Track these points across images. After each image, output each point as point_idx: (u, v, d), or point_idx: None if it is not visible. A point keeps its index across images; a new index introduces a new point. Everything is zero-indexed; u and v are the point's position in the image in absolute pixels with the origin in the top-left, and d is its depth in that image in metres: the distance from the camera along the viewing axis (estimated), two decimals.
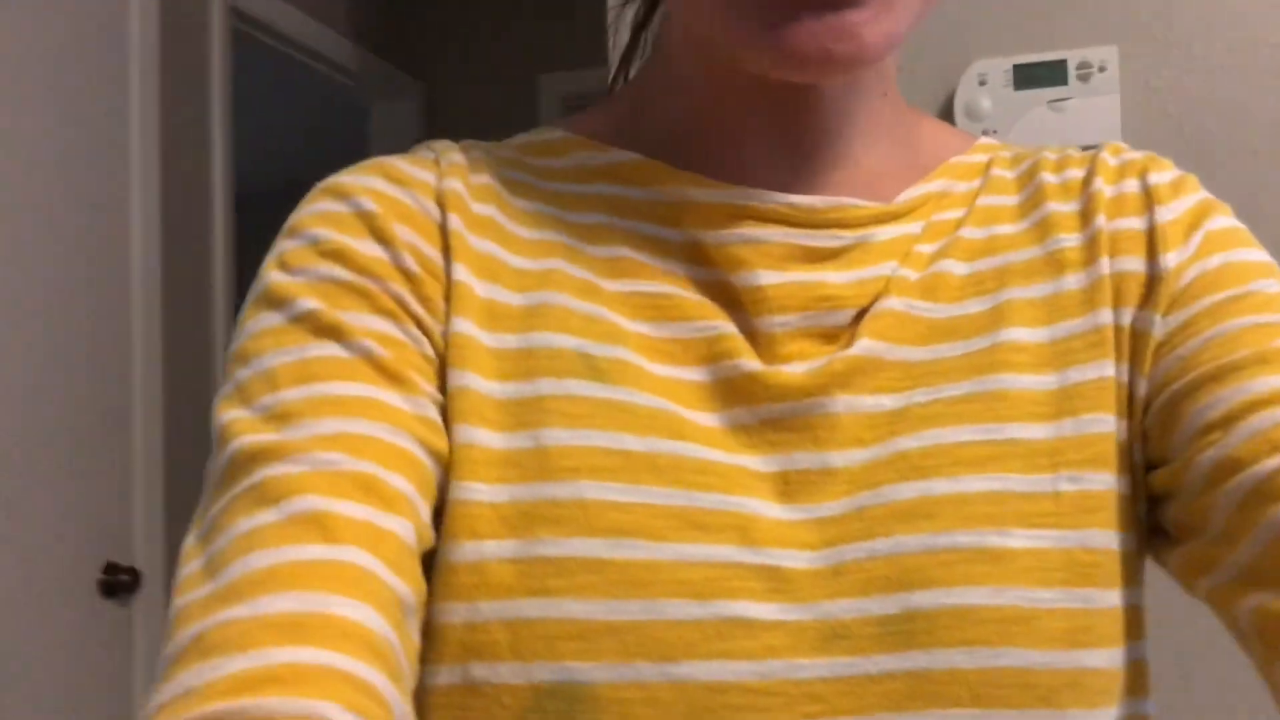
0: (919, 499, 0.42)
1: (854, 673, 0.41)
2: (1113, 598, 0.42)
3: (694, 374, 0.45)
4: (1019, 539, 0.42)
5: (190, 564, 0.38)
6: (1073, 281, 0.48)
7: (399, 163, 0.48)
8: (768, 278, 0.46)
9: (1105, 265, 0.47)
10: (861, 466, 0.44)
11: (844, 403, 0.45)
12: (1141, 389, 0.46)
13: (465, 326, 0.44)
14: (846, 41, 0.40)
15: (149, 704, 0.35)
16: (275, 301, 0.44)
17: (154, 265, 2.24)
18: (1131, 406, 0.46)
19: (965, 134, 0.55)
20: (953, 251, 0.49)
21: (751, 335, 0.46)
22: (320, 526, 0.37)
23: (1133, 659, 0.43)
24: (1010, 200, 0.51)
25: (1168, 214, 0.48)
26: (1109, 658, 0.42)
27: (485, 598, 0.41)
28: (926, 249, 0.48)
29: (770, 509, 0.43)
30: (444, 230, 0.46)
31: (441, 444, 0.42)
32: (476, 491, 0.42)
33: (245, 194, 5.36)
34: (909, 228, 0.49)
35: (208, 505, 0.40)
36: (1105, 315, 0.46)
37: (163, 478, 2.25)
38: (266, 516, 0.38)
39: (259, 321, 0.44)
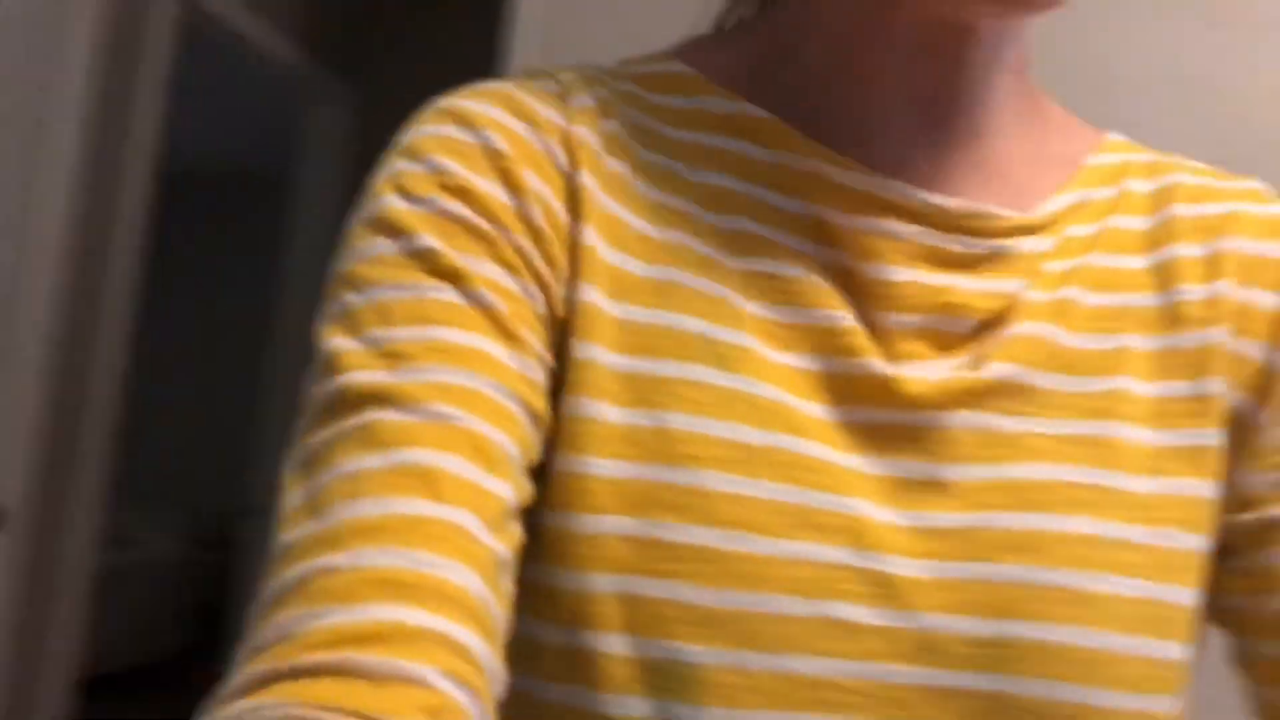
0: (1026, 532, 0.43)
1: (939, 684, 0.42)
2: (1182, 650, 0.44)
3: (811, 363, 0.45)
4: (1113, 585, 0.43)
5: (292, 494, 0.38)
6: (1188, 340, 0.47)
7: (525, 96, 0.47)
8: (896, 274, 0.46)
9: (1224, 336, 0.47)
10: (973, 485, 0.44)
11: (963, 418, 0.45)
12: (1238, 475, 0.47)
13: (592, 295, 0.44)
14: None
15: (248, 642, 0.35)
16: (392, 229, 0.43)
17: (58, 218, 2.22)
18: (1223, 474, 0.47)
19: (1089, 125, 0.54)
20: (1082, 277, 0.48)
21: (870, 328, 0.46)
22: (427, 482, 0.37)
23: (1180, 708, 0.45)
24: (1140, 224, 0.50)
25: None
26: (1171, 704, 0.44)
27: (601, 570, 0.41)
28: (1056, 267, 0.48)
29: (880, 513, 0.43)
30: (573, 186, 0.45)
31: (542, 407, 0.42)
32: (595, 466, 0.42)
33: (184, 176, 5.39)
34: (1042, 243, 0.48)
35: (310, 431, 0.40)
36: (1215, 385, 0.46)
37: (39, 418, 2.24)
38: (373, 462, 0.37)
39: (373, 246, 0.43)
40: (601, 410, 0.43)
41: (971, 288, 0.46)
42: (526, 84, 0.48)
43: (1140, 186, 0.50)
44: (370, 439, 0.38)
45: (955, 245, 0.46)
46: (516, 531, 0.39)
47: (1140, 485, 0.45)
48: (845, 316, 0.45)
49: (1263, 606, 0.46)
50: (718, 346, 0.44)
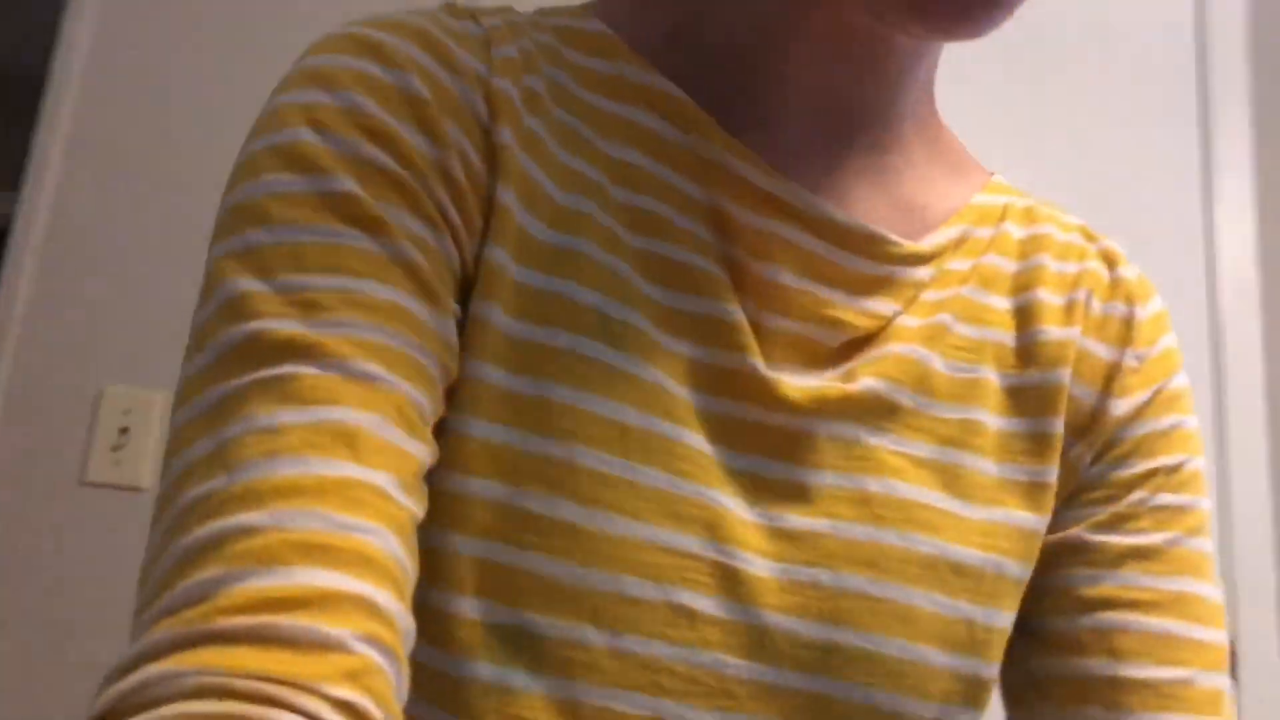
0: (870, 544, 0.45)
1: (768, 680, 0.44)
2: (991, 670, 0.47)
3: (695, 351, 0.45)
4: (939, 604, 0.45)
5: (197, 445, 0.36)
6: (1036, 379, 0.50)
7: (447, 39, 0.45)
8: (786, 278, 0.47)
9: (1065, 377, 0.50)
10: (828, 492, 0.46)
11: (829, 427, 0.46)
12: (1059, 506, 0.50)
13: (499, 256, 0.43)
14: (983, 7, 0.42)
15: (153, 600, 0.33)
16: (306, 165, 0.40)
17: None
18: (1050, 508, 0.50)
19: (976, 162, 0.56)
20: (952, 306, 0.50)
21: (752, 325, 0.46)
22: (348, 442, 0.36)
23: None
24: (1011, 266, 0.52)
25: (1135, 359, 0.51)
26: (975, 718, 0.47)
27: (461, 532, 0.42)
28: (932, 296, 0.50)
29: (738, 508, 0.44)
30: (491, 142, 0.44)
31: (454, 368, 0.42)
32: (474, 427, 0.42)
33: None
34: (924, 271, 0.50)
35: (215, 377, 0.37)
36: (1055, 424, 0.49)
37: None
38: (292, 417, 0.36)
39: (283, 181, 0.40)
40: (489, 373, 0.43)
41: (853, 305, 0.48)
42: (446, 23, 0.46)
43: (1015, 231, 0.53)
44: (289, 393, 0.36)
45: (847, 263, 0.48)
46: (425, 489, 0.39)
47: (978, 514, 0.47)
48: (735, 311, 0.46)
49: (1057, 624, 0.49)
50: (610, 323, 0.44)
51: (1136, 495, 0.49)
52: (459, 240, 0.43)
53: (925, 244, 0.50)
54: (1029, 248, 0.53)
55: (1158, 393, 0.51)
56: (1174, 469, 0.50)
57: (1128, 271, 0.53)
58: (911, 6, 0.42)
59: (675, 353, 0.45)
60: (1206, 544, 0.49)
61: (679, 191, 0.47)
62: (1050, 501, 0.49)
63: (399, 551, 0.36)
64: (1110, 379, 0.51)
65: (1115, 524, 0.49)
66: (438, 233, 0.42)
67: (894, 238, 0.48)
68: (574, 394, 0.43)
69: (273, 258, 0.39)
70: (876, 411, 0.47)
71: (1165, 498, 0.49)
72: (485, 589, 0.41)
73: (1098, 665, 0.47)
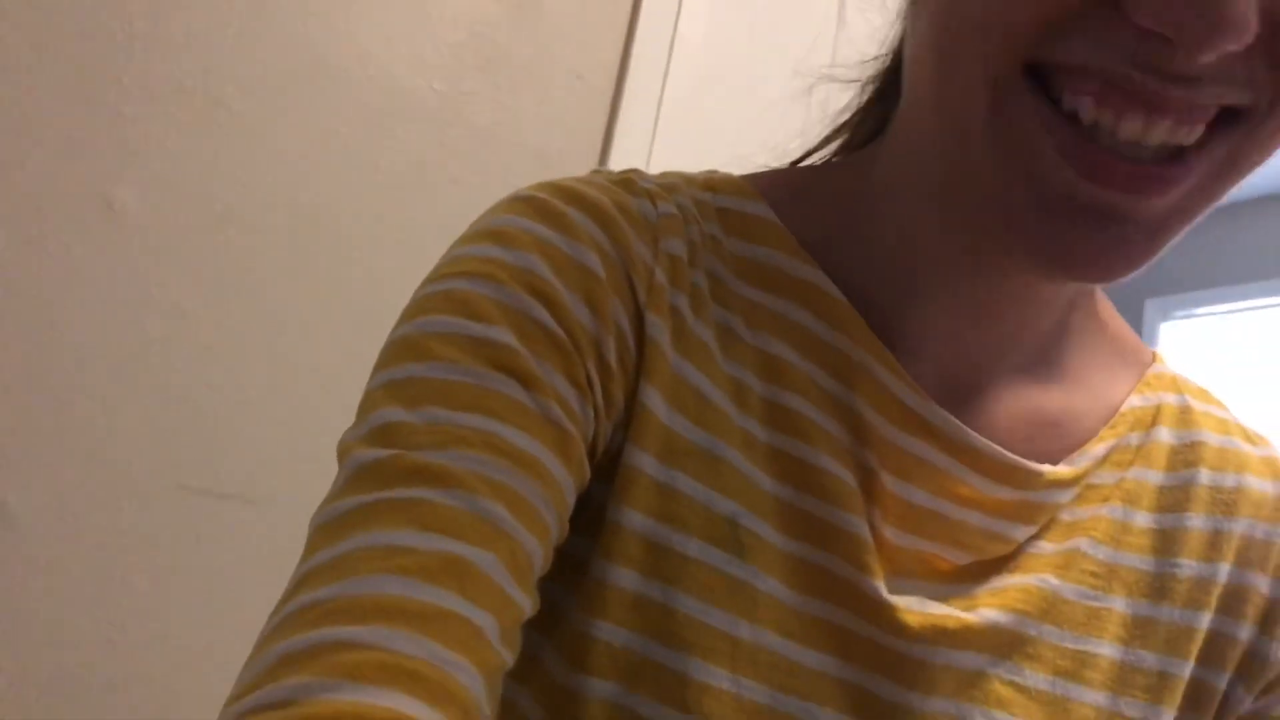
0: None
1: None
2: None
3: (818, 557, 0.45)
4: None
5: (319, 553, 0.37)
6: (1168, 615, 0.48)
7: (622, 221, 0.46)
8: (918, 497, 0.46)
9: (1203, 621, 0.49)
10: (926, 714, 0.45)
11: (944, 655, 0.45)
12: None
13: (640, 459, 0.44)
14: (1115, 257, 0.40)
15: (247, 694, 0.33)
16: (468, 310, 0.42)
17: None
18: None
19: (1140, 350, 0.54)
20: (1090, 529, 0.49)
21: (876, 535, 0.46)
22: (460, 576, 0.36)
23: None
24: (1158, 479, 0.51)
25: None
26: None
27: None
28: (1069, 517, 0.49)
29: None
30: (644, 334, 0.45)
31: (566, 531, 0.42)
32: (598, 628, 0.43)
33: None
34: (1066, 493, 0.49)
35: (348, 492, 0.38)
36: (1181, 667, 0.48)
37: None
38: (411, 540, 0.36)
39: (444, 323, 0.41)
40: (620, 575, 0.43)
41: (982, 526, 0.47)
42: (623, 201, 0.47)
43: (1167, 437, 0.51)
44: (413, 516, 0.36)
45: (984, 489, 0.47)
46: (520, 641, 0.39)
47: None
48: (861, 525, 0.45)
49: None
50: (740, 532, 0.44)
51: None
52: (598, 415, 0.43)
53: (1068, 467, 0.49)
54: (1180, 459, 0.51)
55: None
56: None
57: None
58: (1047, 261, 0.40)
59: (798, 558, 0.45)
60: None
61: (822, 390, 0.47)
62: None
63: (483, 695, 0.35)
64: (1271, 618, 0.49)
65: None
66: (583, 400, 0.42)
67: (1035, 467, 0.47)
68: (698, 606, 0.43)
69: (424, 391, 0.40)
70: (995, 643, 0.46)
71: None
72: None
73: None
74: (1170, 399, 0.53)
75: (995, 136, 0.40)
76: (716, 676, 0.43)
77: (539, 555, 0.39)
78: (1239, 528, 0.50)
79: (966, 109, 0.41)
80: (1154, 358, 0.55)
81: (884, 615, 0.45)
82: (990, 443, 0.47)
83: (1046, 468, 0.48)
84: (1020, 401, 0.49)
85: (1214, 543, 0.49)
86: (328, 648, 0.33)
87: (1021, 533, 0.48)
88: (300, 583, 0.36)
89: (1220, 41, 0.35)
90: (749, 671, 0.44)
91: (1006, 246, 0.41)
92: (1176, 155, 0.39)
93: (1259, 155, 0.40)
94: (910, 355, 0.48)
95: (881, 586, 0.45)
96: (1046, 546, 0.48)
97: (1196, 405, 0.53)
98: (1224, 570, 0.49)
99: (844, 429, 0.46)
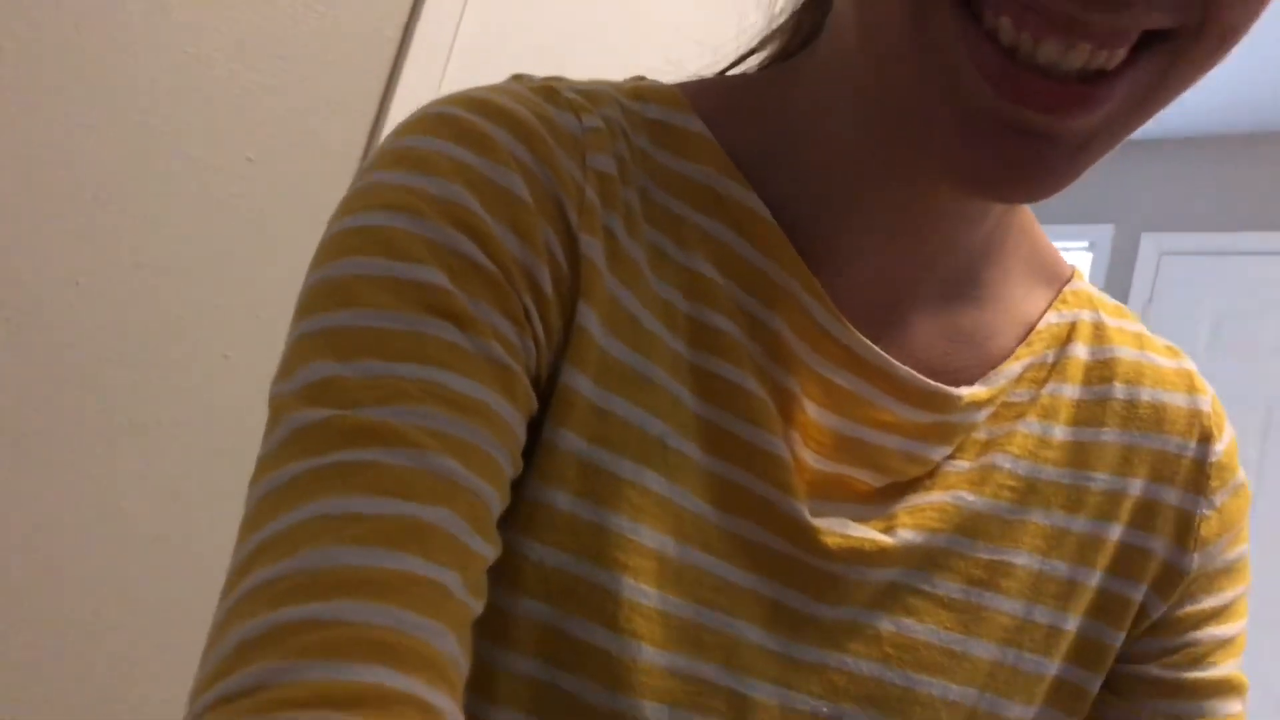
0: (873, 681, 0.46)
1: None
2: None
3: (740, 477, 0.46)
4: None
5: (268, 525, 0.35)
6: (1080, 526, 0.50)
7: (548, 136, 0.44)
8: (837, 423, 0.47)
9: (1114, 532, 0.50)
10: (844, 628, 0.46)
11: (860, 572, 0.47)
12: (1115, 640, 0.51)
13: (576, 379, 0.43)
14: (1039, 175, 0.39)
15: (215, 683, 0.32)
16: (395, 250, 0.39)
17: None
18: (1093, 655, 0.50)
19: (1058, 266, 0.54)
20: (1006, 444, 0.49)
21: (795, 457, 0.46)
22: (419, 537, 0.35)
23: None
24: (1073, 392, 0.51)
25: (1208, 507, 0.51)
26: None
27: (510, 650, 0.43)
28: (985, 435, 0.49)
29: (758, 635, 0.45)
30: (578, 255, 0.43)
31: (520, 465, 0.42)
32: (530, 548, 0.43)
33: None
34: (981, 411, 0.49)
35: (290, 456, 0.37)
36: (1090, 575, 0.49)
37: None
38: (366, 507, 0.35)
39: (370, 262, 0.39)
40: (554, 496, 0.43)
41: (902, 451, 0.48)
42: (547, 113, 0.45)
43: (1082, 353, 0.52)
44: (364, 481, 0.35)
45: (900, 412, 0.47)
46: (486, 585, 0.38)
47: (989, 654, 0.48)
48: (779, 444, 0.46)
49: None
50: (669, 453, 0.44)
51: (1204, 633, 0.50)
52: (538, 346, 0.42)
53: (984, 387, 0.49)
54: (1095, 374, 0.52)
55: (1231, 539, 0.52)
56: (1234, 602, 0.51)
57: (1204, 402, 0.52)
58: (966, 179, 0.40)
59: (720, 476, 0.45)
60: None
61: (745, 311, 0.46)
62: (1063, 650, 0.49)
63: (456, 652, 0.35)
64: (1183, 531, 0.50)
65: (1192, 663, 0.50)
66: (521, 334, 0.41)
67: (953, 391, 0.48)
68: (630, 525, 0.43)
69: (357, 341, 0.38)
70: (911, 559, 0.47)
71: (1226, 630, 0.51)
72: (529, 706, 0.43)
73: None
74: (1085, 315, 0.53)
75: (916, 53, 0.39)
76: (645, 594, 0.43)
77: (496, 500, 0.39)
78: (1152, 443, 0.51)
79: (887, 25, 0.40)
80: (1072, 274, 0.55)
81: (804, 536, 0.46)
82: (909, 370, 0.47)
83: (964, 391, 0.48)
84: (939, 320, 0.49)
85: (1127, 457, 0.50)
86: (293, 627, 0.32)
87: (939, 453, 0.48)
88: (252, 558, 0.35)
89: None
90: (674, 589, 0.44)
91: (928, 164, 0.41)
92: (1099, 76, 0.38)
93: (1188, 78, 0.40)
94: (834, 276, 0.47)
95: (803, 508, 0.46)
96: (963, 464, 0.49)
97: (1110, 321, 0.53)
98: (1136, 484, 0.50)
99: (765, 352, 0.46)
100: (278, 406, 0.38)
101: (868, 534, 0.46)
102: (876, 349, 0.46)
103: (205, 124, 1.37)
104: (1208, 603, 0.51)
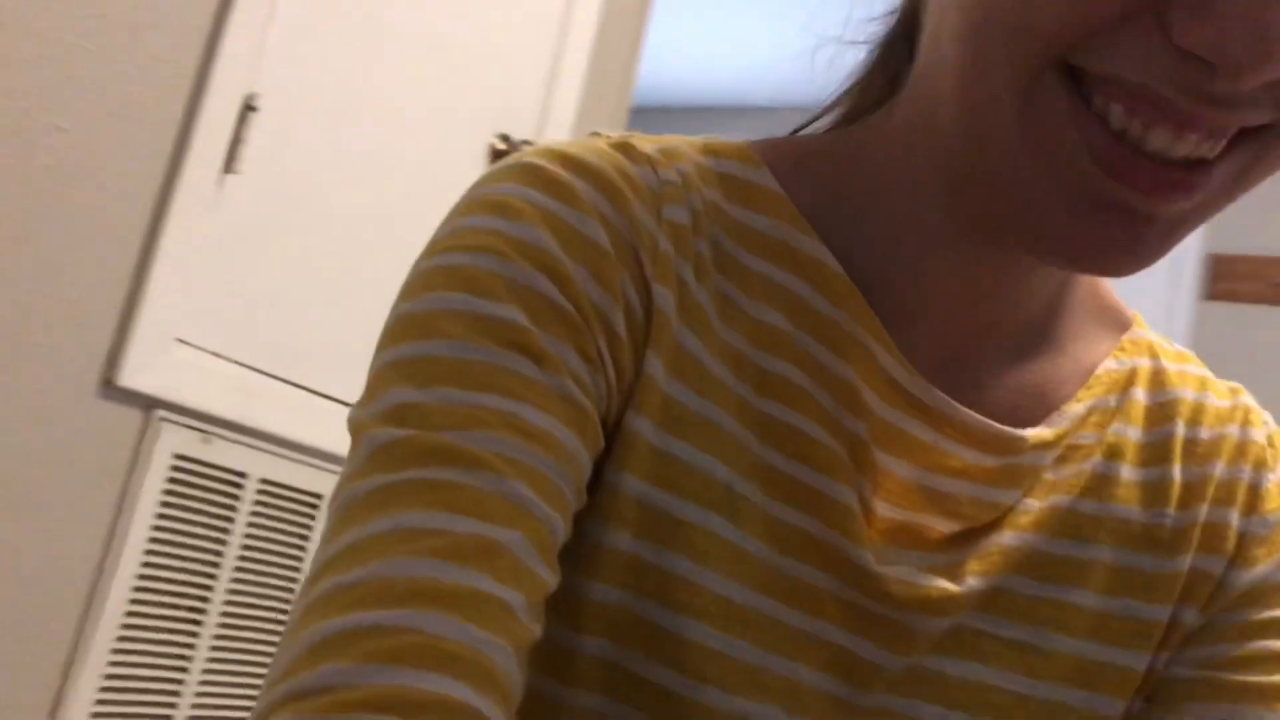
0: None
1: None
2: None
3: (806, 522, 0.46)
4: None
5: (346, 534, 0.37)
6: (1153, 563, 0.50)
7: (626, 189, 0.46)
8: (908, 471, 0.47)
9: (1184, 564, 0.50)
10: (904, 671, 0.47)
11: (929, 623, 0.47)
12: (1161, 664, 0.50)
13: (640, 424, 0.44)
14: (1129, 253, 0.41)
15: (284, 680, 0.33)
16: (476, 287, 0.41)
17: None
18: (1147, 686, 0.50)
19: (1120, 313, 0.56)
20: (1074, 485, 0.50)
21: (864, 505, 0.47)
22: (489, 556, 0.36)
23: None
24: (1137, 435, 0.52)
25: (1261, 527, 0.51)
26: None
27: (567, 684, 0.45)
28: (1053, 476, 0.50)
29: (821, 681, 0.46)
30: (650, 304, 0.45)
31: (582, 504, 0.43)
32: (593, 590, 0.44)
33: None
34: (1048, 454, 0.50)
35: (369, 472, 0.38)
36: (1160, 612, 0.49)
37: None
38: (440, 523, 0.36)
39: (451, 300, 0.41)
40: (615, 538, 0.44)
41: (972, 494, 0.48)
42: (625, 168, 0.47)
43: (1143, 397, 0.53)
44: (440, 498, 0.37)
45: (970, 458, 0.48)
46: (543, 616, 0.39)
47: (1062, 696, 0.48)
48: (849, 494, 0.46)
49: None
50: (734, 498, 0.45)
51: (1255, 645, 0.49)
52: (609, 388, 0.43)
53: (1049, 429, 0.50)
54: (1157, 416, 0.53)
55: None
56: None
57: (1258, 434, 0.54)
58: (1061, 253, 0.41)
59: (786, 523, 0.46)
60: None
61: (816, 361, 0.47)
62: (1132, 687, 0.49)
63: (516, 672, 0.36)
64: (1239, 549, 0.51)
65: (1235, 667, 0.50)
66: (594, 374, 0.42)
67: (1019, 433, 0.48)
68: (694, 570, 0.44)
69: (435, 371, 0.40)
70: (977, 604, 0.48)
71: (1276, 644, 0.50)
72: None
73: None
74: (1145, 362, 0.54)
75: (1024, 130, 0.40)
76: (710, 637, 0.44)
77: (560, 530, 0.40)
78: (1214, 472, 0.52)
79: (995, 104, 0.41)
80: (1133, 321, 0.56)
81: (870, 584, 0.46)
82: (976, 415, 0.48)
83: (1030, 432, 0.49)
84: (1008, 373, 0.50)
85: (1193, 489, 0.51)
86: (364, 633, 0.33)
87: (1008, 497, 0.49)
88: (329, 565, 0.36)
89: (1270, 71, 0.36)
90: (739, 632, 0.45)
91: (1023, 237, 0.42)
92: (1199, 163, 0.39)
93: (1274, 166, 0.42)
94: (904, 329, 0.48)
95: (869, 556, 0.46)
96: (1032, 504, 0.49)
97: (1171, 366, 0.55)
98: (1202, 512, 0.51)
99: (835, 400, 0.47)
100: (357, 429, 0.40)
101: (935, 582, 0.47)
102: (945, 397, 0.47)
103: (7, 87, 1.24)
104: (1255, 616, 0.50)
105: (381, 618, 0.34)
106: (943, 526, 0.48)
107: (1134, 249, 0.40)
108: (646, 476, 0.44)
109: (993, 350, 0.50)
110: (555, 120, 1.94)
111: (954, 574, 0.48)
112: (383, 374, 0.41)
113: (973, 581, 0.48)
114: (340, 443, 1.59)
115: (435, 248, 0.43)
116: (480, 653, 0.34)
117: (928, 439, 0.47)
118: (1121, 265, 0.41)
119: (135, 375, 1.36)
